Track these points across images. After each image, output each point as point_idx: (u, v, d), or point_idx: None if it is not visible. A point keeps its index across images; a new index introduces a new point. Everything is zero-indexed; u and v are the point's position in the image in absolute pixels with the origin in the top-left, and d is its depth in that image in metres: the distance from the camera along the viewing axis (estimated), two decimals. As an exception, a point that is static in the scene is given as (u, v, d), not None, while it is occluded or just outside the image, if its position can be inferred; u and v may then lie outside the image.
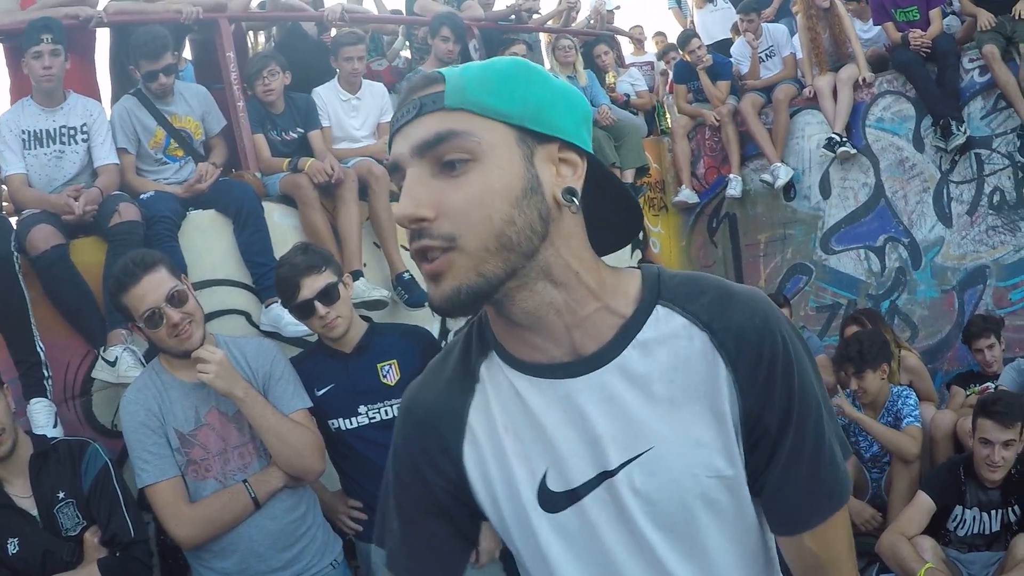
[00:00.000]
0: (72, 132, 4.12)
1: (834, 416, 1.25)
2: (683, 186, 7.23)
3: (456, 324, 4.76)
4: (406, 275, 4.63)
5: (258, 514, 2.86)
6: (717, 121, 7.04)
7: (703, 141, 7.33)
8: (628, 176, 6.46)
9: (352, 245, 4.40)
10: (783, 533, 1.24)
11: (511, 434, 1.23)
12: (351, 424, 3.13)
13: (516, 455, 1.23)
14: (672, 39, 8.89)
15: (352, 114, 5.16)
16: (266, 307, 4.14)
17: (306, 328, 3.86)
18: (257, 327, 4.21)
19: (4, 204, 4.30)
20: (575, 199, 1.11)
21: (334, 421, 3.14)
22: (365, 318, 3.42)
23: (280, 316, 4.00)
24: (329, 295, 3.04)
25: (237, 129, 4.79)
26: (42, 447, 2.88)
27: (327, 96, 5.10)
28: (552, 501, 1.22)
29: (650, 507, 1.18)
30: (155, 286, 2.72)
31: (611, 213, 1.25)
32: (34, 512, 2.77)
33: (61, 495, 2.80)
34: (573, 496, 1.20)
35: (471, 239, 1.05)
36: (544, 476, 1.21)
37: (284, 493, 2.93)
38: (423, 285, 4.55)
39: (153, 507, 2.80)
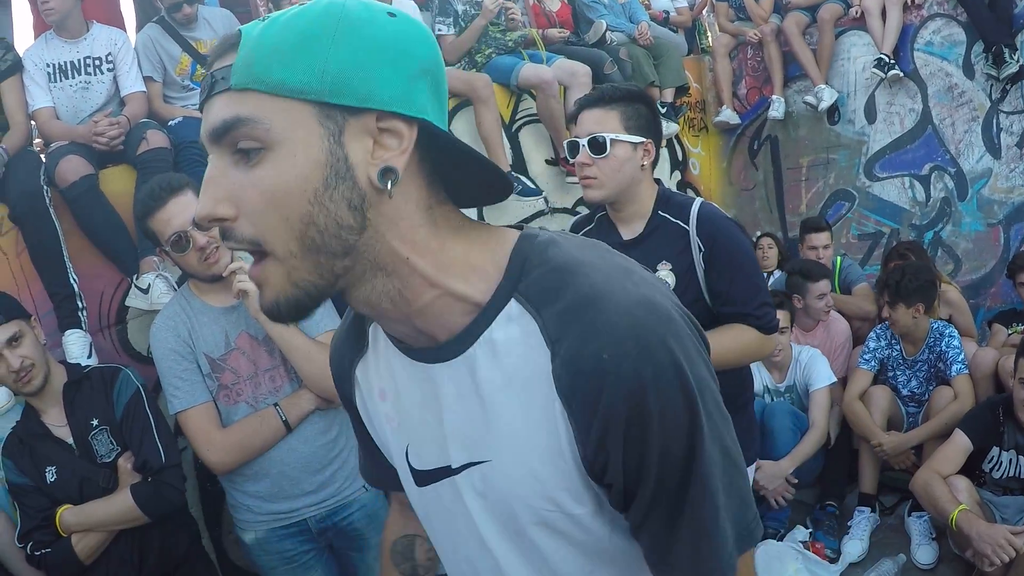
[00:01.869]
0: (97, 62, 4.06)
1: (737, 481, 1.03)
2: (724, 106, 7.05)
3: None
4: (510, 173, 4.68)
5: (290, 437, 2.89)
6: (759, 39, 6.81)
7: (745, 60, 7.11)
8: (668, 95, 6.30)
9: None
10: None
11: (387, 401, 1.19)
12: None
13: (390, 422, 1.20)
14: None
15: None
16: None
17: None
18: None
19: (36, 141, 4.26)
20: (393, 179, 0.94)
21: None
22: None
23: None
24: None
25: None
26: (76, 376, 2.92)
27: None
28: (415, 475, 1.19)
29: (489, 513, 1.11)
30: (181, 209, 2.70)
31: (466, 172, 1.04)
32: (70, 440, 2.82)
33: (95, 422, 2.84)
34: (427, 476, 1.16)
35: (274, 244, 0.93)
36: (407, 449, 1.19)
37: (315, 416, 2.94)
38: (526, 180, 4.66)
39: (185, 433, 2.84)
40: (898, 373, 4.70)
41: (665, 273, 2.56)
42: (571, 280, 0.98)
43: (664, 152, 6.54)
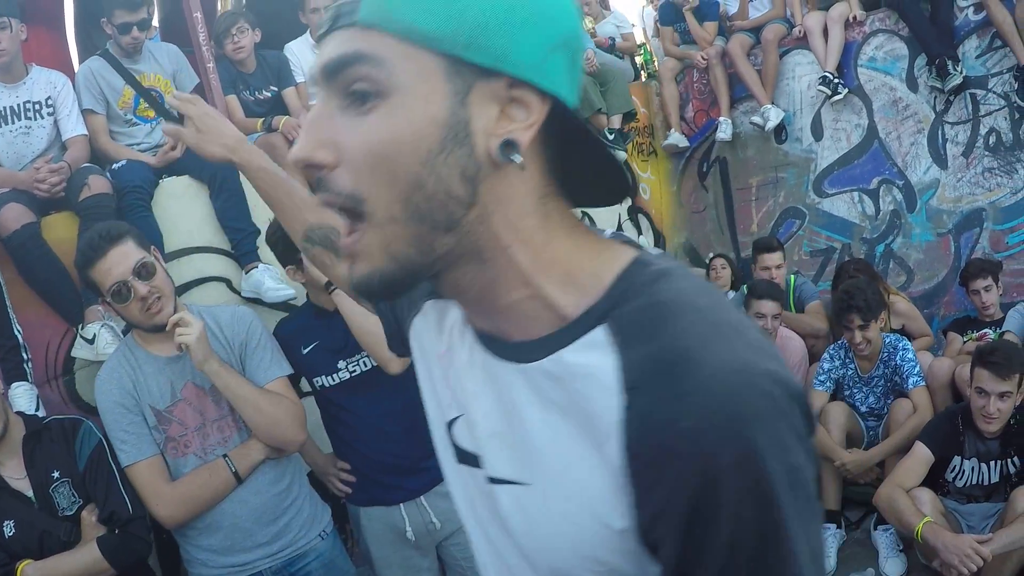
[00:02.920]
0: (37, 106, 3.99)
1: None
2: (672, 130, 7.10)
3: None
4: None
5: (241, 489, 2.83)
6: (705, 62, 6.88)
7: (691, 84, 7.17)
8: (615, 122, 6.33)
9: None
10: None
11: (444, 363, 1.07)
12: (333, 380, 3.11)
13: (441, 383, 1.08)
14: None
15: (328, 68, 4.98)
16: (246, 273, 4.05)
17: (288, 292, 3.81)
18: (236, 293, 4.11)
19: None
20: (516, 154, 0.82)
21: (318, 379, 3.14)
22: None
23: (261, 281, 3.93)
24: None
25: (208, 92, 4.63)
26: (34, 427, 2.85)
27: (300, 51, 4.94)
28: (456, 451, 1.06)
29: (515, 536, 0.96)
30: (121, 259, 2.65)
31: (589, 169, 0.92)
32: (29, 493, 2.75)
33: (56, 475, 2.77)
34: (466, 457, 1.03)
35: (375, 203, 0.83)
36: (452, 422, 1.06)
37: (267, 465, 2.90)
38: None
39: (135, 487, 2.77)
40: (855, 391, 4.72)
41: None
42: (671, 323, 0.81)
43: (613, 180, 6.56)
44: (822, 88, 6.32)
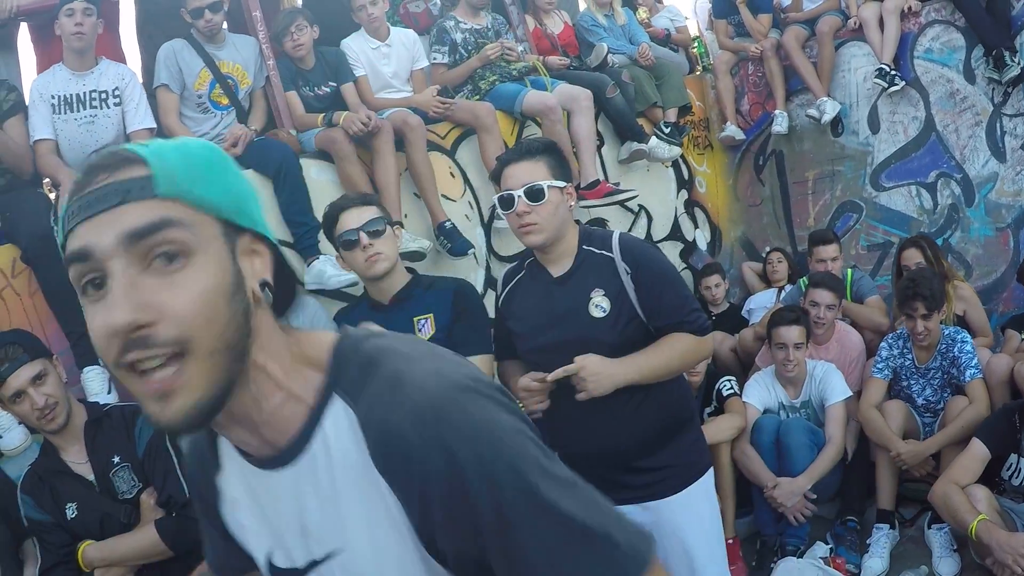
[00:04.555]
0: (104, 96, 4.10)
1: (567, 489, 1.01)
2: (728, 123, 7.06)
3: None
4: (448, 224, 4.58)
5: None
6: (759, 55, 6.83)
7: (746, 76, 7.14)
8: (671, 115, 6.31)
9: (391, 196, 4.36)
10: None
11: (242, 509, 1.22)
12: None
13: (249, 530, 1.23)
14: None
15: (384, 62, 5.07)
16: (308, 265, 4.13)
17: (349, 277, 3.86)
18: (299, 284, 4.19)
19: (45, 181, 4.31)
20: (269, 291, 1.08)
21: None
22: (410, 270, 3.40)
23: (323, 271, 4.01)
24: (374, 229, 3.05)
25: (269, 88, 4.74)
26: (96, 414, 2.97)
27: (357, 46, 5.02)
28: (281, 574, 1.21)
29: None
30: None
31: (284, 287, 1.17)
32: (90, 477, 2.87)
33: (116, 460, 2.88)
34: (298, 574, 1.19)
35: (202, 342, 0.95)
36: (270, 554, 1.21)
37: None
38: (466, 232, 4.54)
39: None
40: (911, 382, 4.66)
41: (600, 299, 2.73)
42: (378, 367, 1.06)
43: (670, 172, 6.56)
44: (878, 80, 6.24)
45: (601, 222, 5.66)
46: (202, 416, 0.98)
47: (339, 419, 1.06)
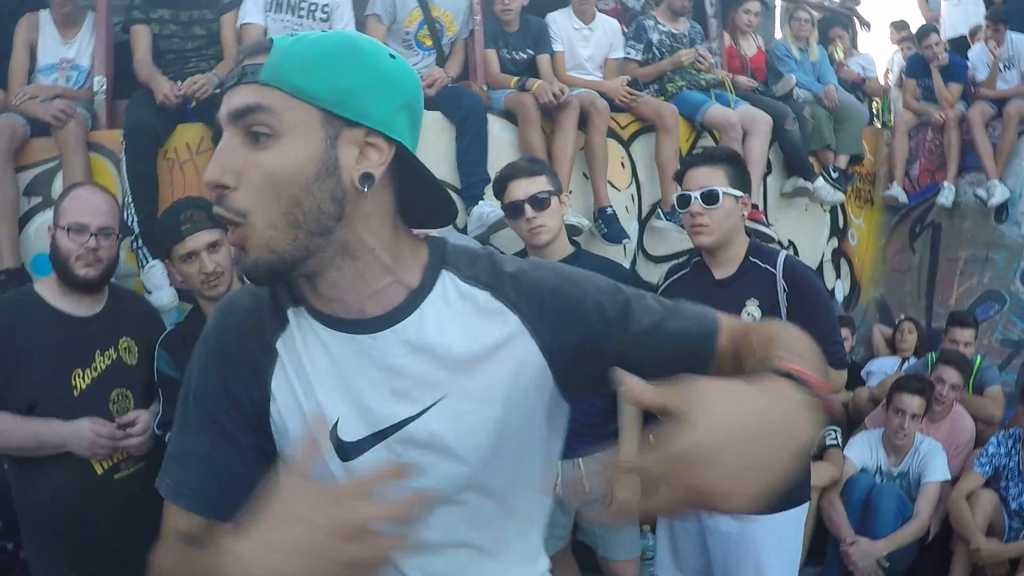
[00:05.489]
0: (312, 7, 4.25)
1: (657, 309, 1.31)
2: (895, 183, 6.95)
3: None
4: (609, 210, 4.67)
5: None
6: (942, 123, 6.74)
7: (923, 142, 7.04)
8: (842, 161, 6.28)
9: (562, 169, 4.46)
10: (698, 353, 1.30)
11: (313, 378, 1.24)
12: None
13: (316, 399, 1.23)
14: (914, 29, 8.49)
15: (583, 43, 5.20)
16: (469, 213, 4.27)
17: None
18: (457, 229, 4.31)
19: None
20: (370, 184, 1.15)
21: None
22: (574, 243, 3.50)
23: (483, 212, 4.15)
24: (541, 201, 3.15)
25: (471, 41, 4.92)
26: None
27: (562, 22, 5.15)
28: (343, 449, 1.24)
29: (444, 451, 1.24)
30: None
31: (424, 196, 1.27)
32: None
33: None
34: (361, 447, 1.24)
35: (259, 217, 1.11)
36: (336, 424, 1.24)
37: None
38: (622, 223, 4.63)
39: None
40: (1011, 484, 4.59)
41: (752, 308, 2.87)
42: (476, 251, 1.32)
43: (827, 217, 6.50)
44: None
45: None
46: (263, 272, 1.15)
47: (449, 287, 1.26)
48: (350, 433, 1.24)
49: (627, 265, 4.80)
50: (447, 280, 1.26)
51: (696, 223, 2.92)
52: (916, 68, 7.15)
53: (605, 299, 1.28)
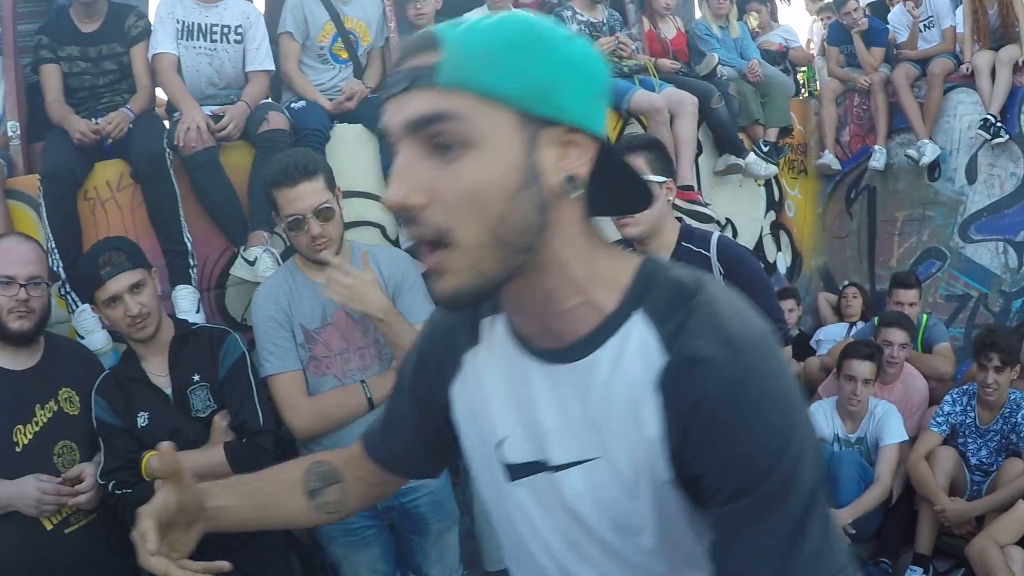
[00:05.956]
0: (226, 31, 4.17)
1: (823, 518, 1.00)
2: (826, 151, 7.03)
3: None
4: None
5: (372, 415, 2.93)
6: (867, 87, 6.80)
7: (851, 108, 7.10)
8: (771, 135, 6.30)
9: None
10: None
11: (490, 392, 1.22)
12: None
13: (487, 414, 1.23)
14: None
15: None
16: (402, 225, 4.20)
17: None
18: (390, 240, 4.31)
19: (157, 108, 4.45)
20: (576, 187, 1.02)
21: None
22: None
23: None
24: None
25: (387, 49, 4.85)
26: (184, 331, 3.02)
27: (476, 22, 5.08)
28: (508, 469, 1.22)
29: (585, 512, 1.13)
30: (308, 194, 2.82)
31: (618, 184, 1.13)
32: (168, 390, 2.91)
33: (196, 378, 2.92)
34: (521, 470, 1.20)
35: (465, 235, 0.97)
36: (503, 442, 1.21)
37: None
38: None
39: (273, 396, 2.95)
40: (968, 440, 4.63)
41: None
42: (691, 297, 1.05)
43: (761, 191, 6.55)
44: (981, 132, 6.18)
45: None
46: (468, 298, 1.01)
47: (635, 334, 1.06)
48: (515, 455, 1.20)
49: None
50: (638, 324, 1.06)
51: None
52: (837, 35, 7.21)
53: (757, 447, 0.99)
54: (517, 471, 1.20)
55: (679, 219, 3.08)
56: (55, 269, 3.59)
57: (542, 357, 1.14)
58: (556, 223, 1.02)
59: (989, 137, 6.15)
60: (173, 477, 1.31)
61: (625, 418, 1.06)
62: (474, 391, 1.25)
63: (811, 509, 0.99)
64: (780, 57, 7.12)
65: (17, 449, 2.77)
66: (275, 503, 1.50)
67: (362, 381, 2.99)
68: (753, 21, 7.43)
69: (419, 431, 1.40)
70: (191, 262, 3.75)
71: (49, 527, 2.80)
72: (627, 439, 1.06)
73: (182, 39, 4.12)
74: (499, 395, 1.21)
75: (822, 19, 8.13)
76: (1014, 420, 4.45)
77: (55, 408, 2.87)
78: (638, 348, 1.05)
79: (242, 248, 3.80)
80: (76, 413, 2.91)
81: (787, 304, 6.13)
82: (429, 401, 1.34)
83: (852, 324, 6.13)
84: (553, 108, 0.99)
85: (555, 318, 1.09)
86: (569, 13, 5.44)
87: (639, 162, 2.88)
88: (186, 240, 3.75)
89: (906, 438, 4.68)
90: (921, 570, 4.39)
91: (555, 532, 1.19)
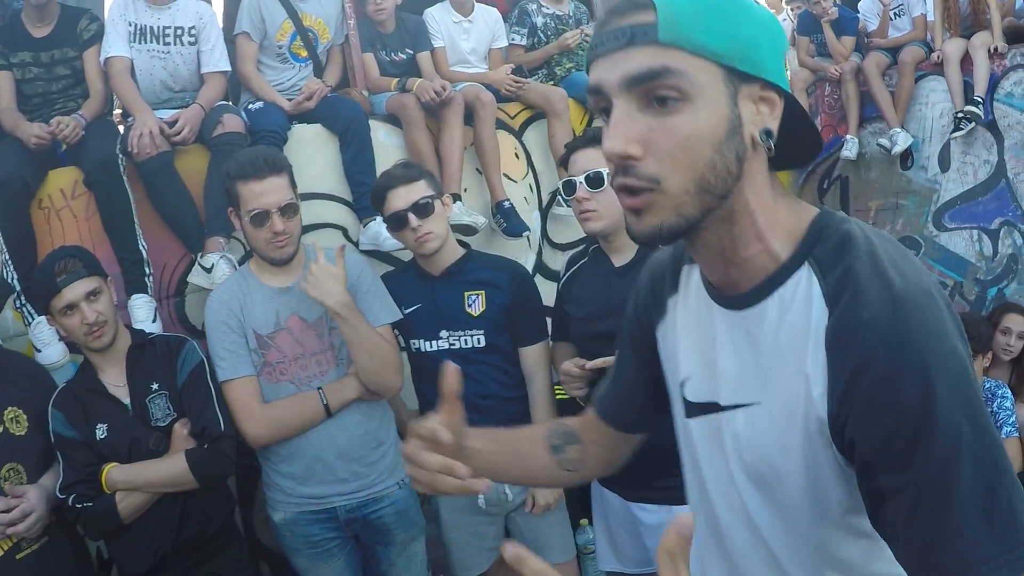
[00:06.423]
0: (179, 32, 4.08)
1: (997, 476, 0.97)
2: (797, 141, 6.97)
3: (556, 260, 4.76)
4: (506, 203, 4.55)
5: (329, 423, 2.95)
6: (838, 76, 6.76)
7: (822, 97, 7.06)
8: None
9: (452, 168, 4.36)
10: None
11: (681, 333, 1.34)
12: (431, 347, 3.14)
13: (679, 355, 1.34)
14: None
15: (463, 36, 5.07)
16: (364, 226, 4.16)
17: (403, 242, 3.90)
18: (352, 242, 4.23)
19: (115, 112, 4.35)
20: (771, 139, 1.10)
21: (415, 341, 3.18)
22: (463, 244, 3.41)
23: (379, 232, 4.00)
24: (423, 208, 3.02)
25: (347, 47, 4.78)
26: (140, 340, 2.99)
27: (440, 17, 5.02)
28: (686, 406, 1.33)
29: (741, 455, 1.21)
30: (275, 189, 2.82)
31: (793, 135, 1.18)
32: (126, 401, 2.87)
33: (155, 387, 2.89)
34: (696, 409, 1.29)
35: (674, 183, 1.06)
36: (684, 382, 1.32)
37: (358, 406, 3.01)
38: (523, 215, 4.55)
39: (227, 403, 2.91)
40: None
41: None
42: (856, 248, 1.09)
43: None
44: (955, 133, 6.13)
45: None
46: (665, 236, 1.10)
47: (802, 286, 1.12)
48: (694, 393, 1.30)
49: (533, 256, 4.74)
50: (805, 276, 1.12)
51: (584, 209, 2.78)
52: (807, 25, 7.16)
53: (910, 408, 0.99)
54: (693, 409, 1.31)
55: None
56: (10, 281, 3.52)
57: (724, 303, 1.22)
58: (748, 172, 1.10)
59: (964, 131, 6.09)
60: (450, 400, 1.35)
61: (788, 369, 1.12)
62: (671, 333, 1.37)
63: (987, 477, 0.97)
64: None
65: (-42, 474, 2.69)
66: (523, 454, 1.59)
67: (319, 388, 2.93)
68: None
69: (643, 383, 1.50)
70: (147, 270, 3.66)
71: (0, 553, 2.72)
72: (787, 389, 1.12)
73: (135, 42, 4.03)
74: (688, 337, 1.32)
75: (792, 9, 8.09)
76: (989, 408, 4.41)
77: (0, 429, 2.79)
78: (804, 300, 1.11)
79: (199, 255, 3.72)
80: (23, 433, 2.84)
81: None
82: (645, 346, 1.46)
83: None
84: (753, 65, 1.08)
85: (735, 266, 1.16)
86: (535, 6, 5.39)
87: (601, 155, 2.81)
88: (141, 248, 3.66)
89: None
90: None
91: (717, 471, 1.27)
